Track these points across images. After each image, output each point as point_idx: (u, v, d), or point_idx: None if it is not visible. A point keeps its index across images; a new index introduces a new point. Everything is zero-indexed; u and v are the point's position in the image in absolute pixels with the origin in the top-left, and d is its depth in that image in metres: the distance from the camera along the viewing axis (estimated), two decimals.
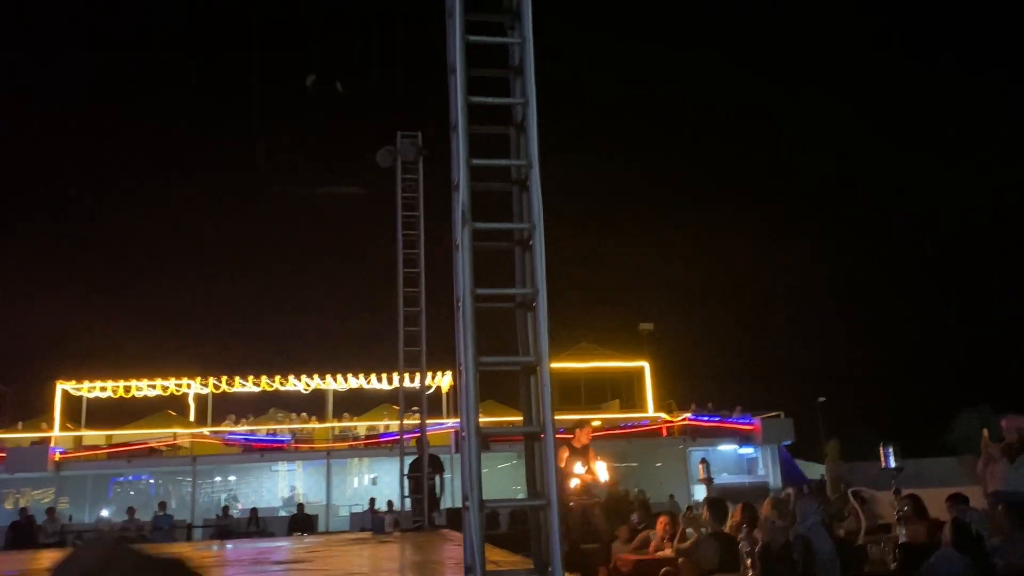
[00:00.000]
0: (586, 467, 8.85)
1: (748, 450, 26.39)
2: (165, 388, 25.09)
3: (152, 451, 23.18)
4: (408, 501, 10.30)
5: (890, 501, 6.86)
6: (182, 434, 23.94)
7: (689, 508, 10.80)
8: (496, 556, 5.48)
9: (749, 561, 5.55)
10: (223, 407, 25.20)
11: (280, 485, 25.21)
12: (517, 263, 3.84)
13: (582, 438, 9.07)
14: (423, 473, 10.06)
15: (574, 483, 8.72)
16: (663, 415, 28.24)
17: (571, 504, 8.58)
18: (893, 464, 6.34)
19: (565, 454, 8.96)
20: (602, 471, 8.96)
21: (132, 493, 24.54)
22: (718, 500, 6.75)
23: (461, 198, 3.53)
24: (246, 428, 24.32)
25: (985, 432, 7.47)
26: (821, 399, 32.36)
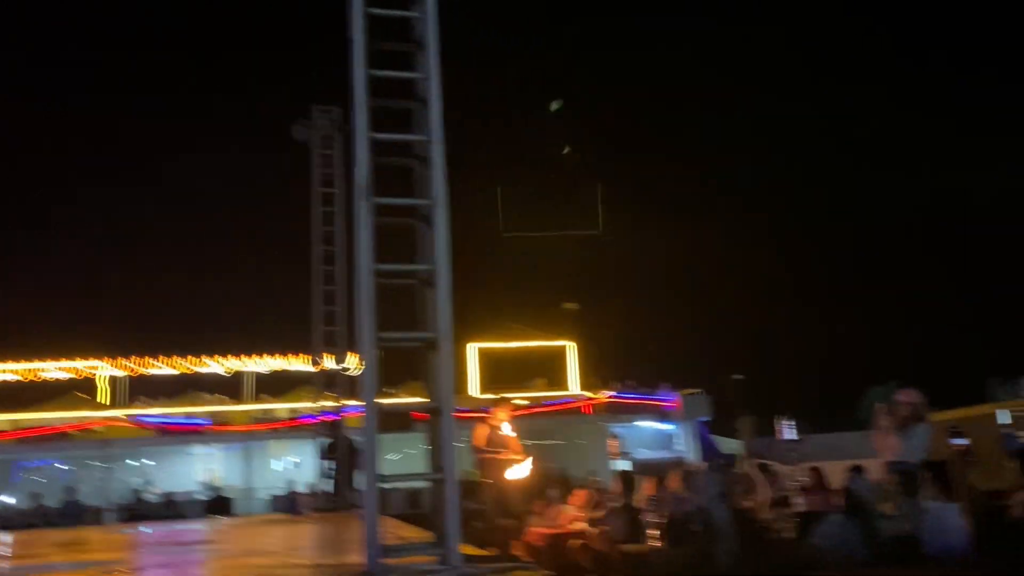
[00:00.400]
0: (504, 444, 8.90)
1: (667, 426, 26.99)
2: (75, 370, 24.20)
3: (63, 435, 22.38)
4: (324, 483, 10.22)
5: (791, 473, 7.13)
6: (93, 417, 23.17)
7: (597, 482, 11.03)
8: (408, 533, 5.50)
9: (654, 531, 5.71)
10: (137, 389, 24.45)
11: (197, 469, 24.63)
12: (419, 240, 3.82)
13: (501, 415, 9.06)
14: (339, 455, 9.98)
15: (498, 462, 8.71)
16: (586, 393, 28.66)
17: (487, 481, 8.64)
18: (792, 437, 6.57)
19: (484, 431, 9.01)
20: (515, 445, 8.99)
21: (40, 479, 23.66)
22: (626, 474, 6.90)
23: (361, 172, 3.50)
24: (161, 411, 23.66)
25: (880, 406, 7.79)
26: (738, 377, 33.25)
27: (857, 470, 8.06)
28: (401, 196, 3.83)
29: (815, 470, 8.66)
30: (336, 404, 10.86)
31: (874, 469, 7.90)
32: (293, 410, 23.88)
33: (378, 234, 3.66)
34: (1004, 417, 19.95)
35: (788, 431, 6.63)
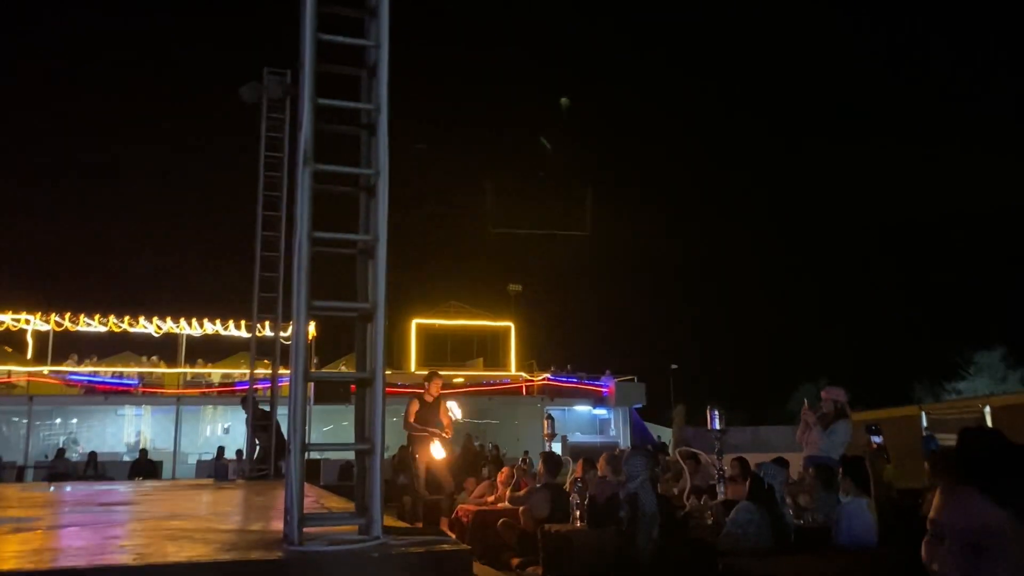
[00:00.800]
0: (436, 419, 8.92)
1: (601, 411, 27.38)
2: (1, 323, 23.45)
3: None
4: (255, 450, 10.12)
5: (713, 462, 7.30)
6: (17, 372, 22.51)
7: (523, 460, 11.11)
8: (332, 503, 5.48)
9: (578, 512, 5.80)
10: (65, 346, 23.84)
11: (126, 430, 24.19)
12: (361, 209, 3.79)
13: (432, 390, 9.09)
14: (271, 422, 9.89)
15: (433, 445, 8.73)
16: (524, 374, 28.89)
17: (416, 457, 8.66)
18: (718, 426, 6.74)
19: (415, 407, 8.98)
20: (454, 412, 9.07)
21: None
22: (551, 454, 6.99)
23: (304, 137, 3.45)
24: (90, 369, 23.10)
25: (805, 402, 8.04)
26: (673, 366, 33.87)
27: (782, 462, 8.29)
28: (348, 165, 3.79)
29: (741, 460, 8.88)
30: (269, 372, 10.72)
31: (796, 462, 8.16)
32: (226, 375, 23.55)
33: (319, 202, 3.63)
34: (926, 419, 20.73)
35: (714, 421, 6.80)
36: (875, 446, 5.54)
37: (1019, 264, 42.98)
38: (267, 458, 10.05)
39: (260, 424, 10.04)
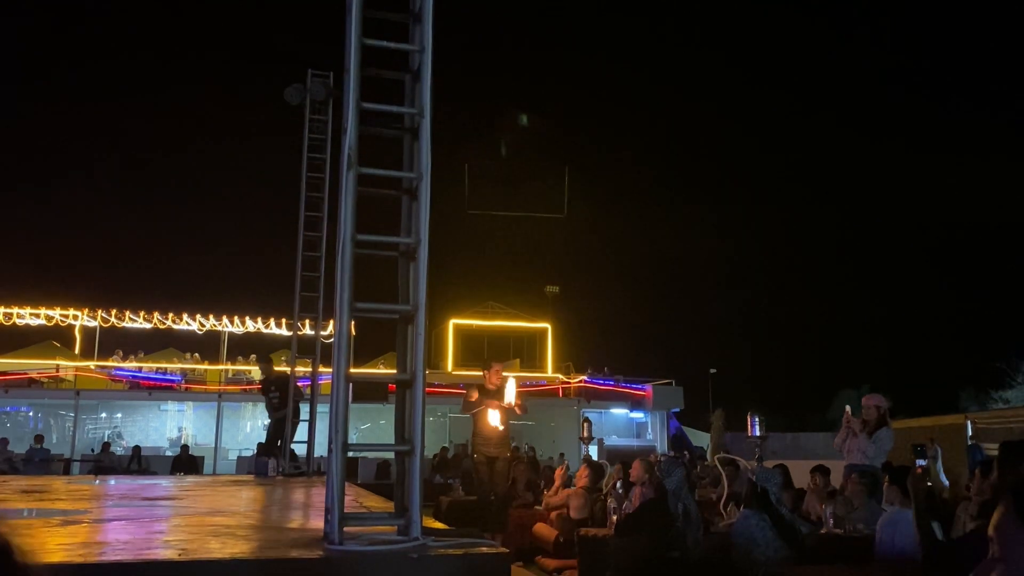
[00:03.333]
0: (498, 408, 8.58)
1: (639, 415, 27.22)
2: (50, 318, 24.03)
3: (32, 381, 22.25)
4: (294, 447, 10.24)
5: (753, 469, 7.21)
6: (66, 366, 23.05)
7: (562, 465, 11.04)
8: (371, 502, 5.53)
9: (615, 517, 5.79)
10: (111, 342, 24.37)
11: (168, 425, 24.65)
12: (403, 212, 3.82)
13: (493, 379, 8.78)
14: (310, 420, 10.00)
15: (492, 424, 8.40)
16: (561, 376, 28.85)
17: (476, 457, 8.51)
18: (758, 433, 6.66)
19: (476, 394, 8.70)
20: (510, 394, 8.57)
21: (8, 424, 23.54)
22: (592, 459, 6.96)
23: (348, 141, 3.49)
24: (134, 365, 23.58)
25: (848, 409, 7.91)
26: (712, 371, 33.56)
27: (823, 470, 8.18)
28: (389, 168, 3.83)
29: (782, 467, 8.79)
30: (310, 370, 10.85)
31: (837, 469, 8.04)
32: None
33: (360, 204, 3.67)
34: (972, 428, 20.28)
35: (754, 427, 6.71)
36: (920, 470, 5.41)
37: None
38: (308, 456, 10.18)
39: (302, 422, 10.17)
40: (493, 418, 8.48)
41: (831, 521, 6.30)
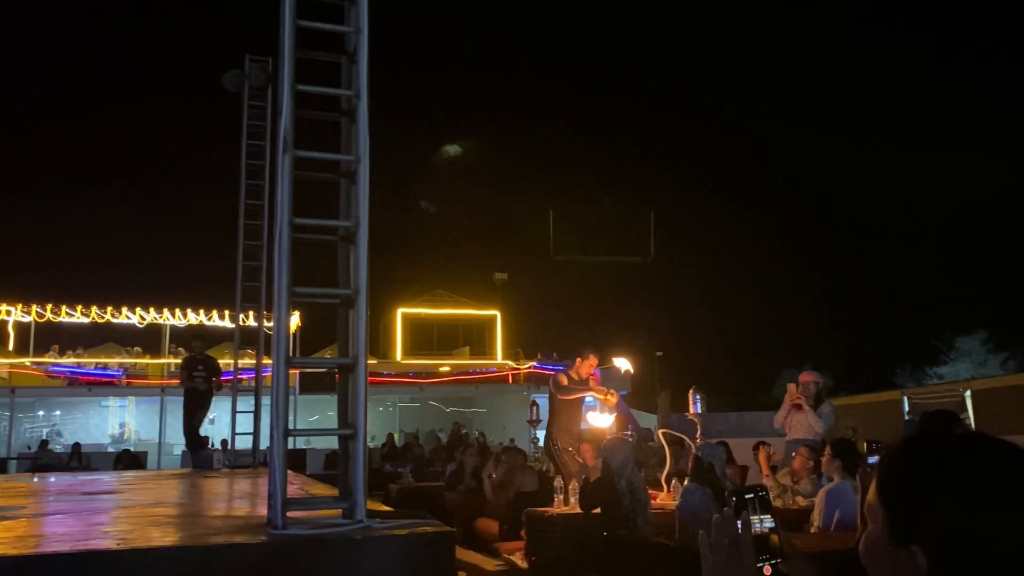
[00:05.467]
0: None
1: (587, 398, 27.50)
2: None
3: None
4: (238, 440, 10.12)
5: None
6: None
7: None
8: (317, 489, 5.51)
9: (561, 496, 5.86)
10: (47, 337, 23.68)
11: (110, 421, 24.12)
12: (342, 196, 3.80)
13: (582, 371, 8.02)
14: (255, 412, 9.89)
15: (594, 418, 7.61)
16: (510, 363, 28.98)
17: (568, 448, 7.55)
18: (699, 410, 6.79)
19: (564, 380, 8.03)
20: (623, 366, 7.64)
21: None
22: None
23: (284, 123, 3.46)
24: (73, 360, 22.98)
25: (792, 386, 8.10)
26: (659, 353, 33.99)
27: (761, 446, 8.37)
28: (331, 152, 3.80)
29: (723, 444, 8.97)
30: (253, 362, 10.71)
31: (779, 446, 8.24)
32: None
33: (304, 189, 3.65)
34: (908, 404, 20.97)
35: (696, 404, 6.84)
36: (870, 468, 5.57)
37: (1000, 249, 43.44)
38: (254, 448, 10.07)
39: (245, 413, 10.06)
40: (597, 419, 7.49)
41: (771, 494, 6.46)
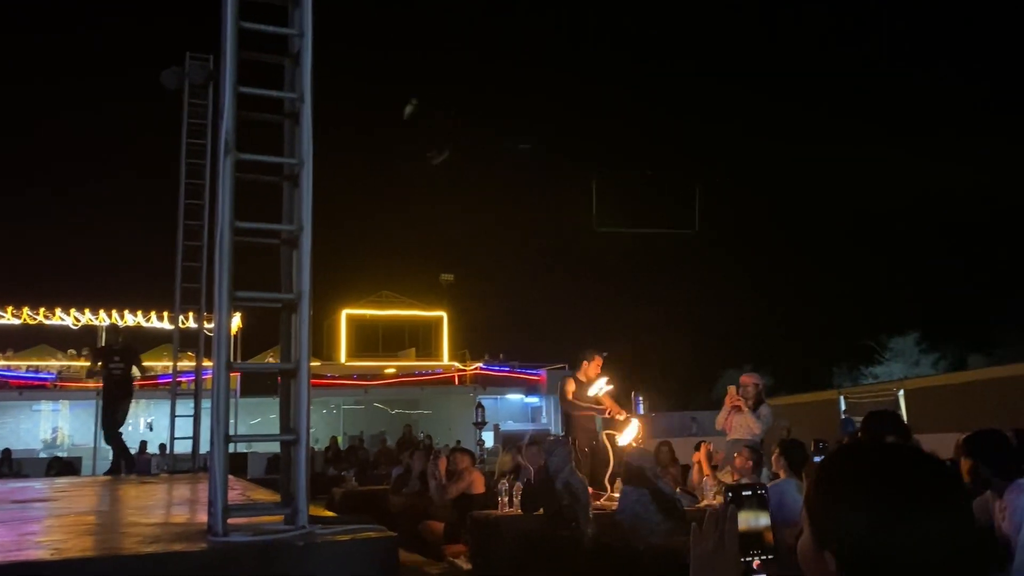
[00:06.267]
0: (596, 401, 7.73)
1: (534, 399, 27.61)
2: None
3: None
4: (178, 444, 9.92)
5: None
6: None
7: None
8: (258, 495, 5.44)
9: (505, 499, 5.89)
10: None
11: (42, 426, 23.35)
12: (285, 199, 3.78)
13: (591, 371, 7.84)
14: (195, 415, 9.71)
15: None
16: (457, 364, 28.94)
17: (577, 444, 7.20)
18: (641, 411, 6.89)
19: (572, 386, 7.83)
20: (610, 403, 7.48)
21: None
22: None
23: (225, 126, 3.41)
24: (2, 363, 22.22)
25: (731, 388, 8.26)
26: (604, 354, 34.25)
27: (701, 445, 8.53)
28: (274, 155, 3.76)
29: (665, 444, 9.14)
30: (193, 365, 10.52)
31: (721, 446, 8.40)
32: (148, 368, 22.90)
33: (248, 191, 3.61)
34: (845, 403, 21.56)
35: (638, 406, 6.94)
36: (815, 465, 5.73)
37: (932, 250, 44.91)
38: (194, 452, 9.88)
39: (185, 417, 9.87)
40: (628, 436, 7.16)
41: (711, 492, 6.60)
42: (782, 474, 5.71)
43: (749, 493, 1.34)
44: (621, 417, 7.48)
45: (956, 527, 0.99)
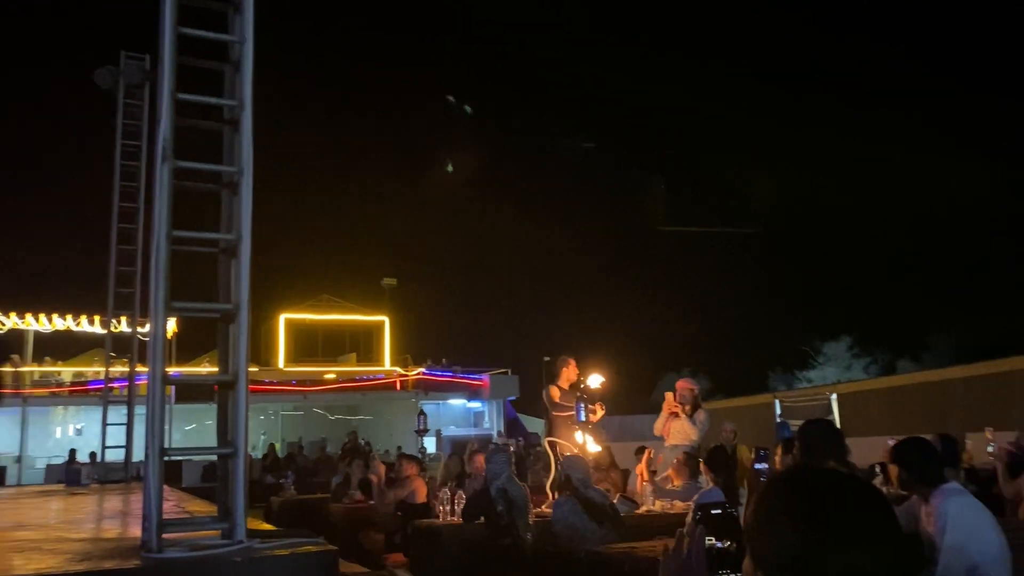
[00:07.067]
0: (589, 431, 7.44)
1: (476, 404, 27.59)
2: None
3: None
4: (109, 452, 9.64)
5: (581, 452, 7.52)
6: None
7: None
8: (194, 507, 5.33)
9: (447, 507, 5.88)
10: None
11: None
12: (224, 207, 3.71)
13: (570, 375, 7.71)
14: (128, 423, 9.46)
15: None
16: (399, 369, 28.74)
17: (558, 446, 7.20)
18: (583, 418, 6.96)
19: (557, 392, 7.67)
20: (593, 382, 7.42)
21: None
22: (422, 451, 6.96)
23: (163, 133, 3.34)
24: None
25: (669, 394, 8.41)
26: (546, 359, 34.44)
27: (642, 451, 8.64)
28: (214, 163, 3.70)
29: (604, 448, 9.21)
30: (126, 370, 10.25)
31: (659, 450, 8.52)
32: (78, 374, 22.26)
33: (184, 197, 3.54)
34: (780, 407, 22.06)
35: (580, 412, 7.00)
36: (759, 473, 5.84)
37: (864, 258, 46.27)
38: (127, 462, 9.62)
39: (118, 425, 9.60)
40: (591, 446, 7.22)
41: (651, 498, 6.68)
42: (710, 483, 5.84)
43: (719, 512, 1.37)
44: (600, 413, 7.42)
45: (884, 555, 1.04)
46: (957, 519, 3.33)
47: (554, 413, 7.64)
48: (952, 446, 6.99)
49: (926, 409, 17.67)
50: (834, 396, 20.67)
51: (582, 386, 7.44)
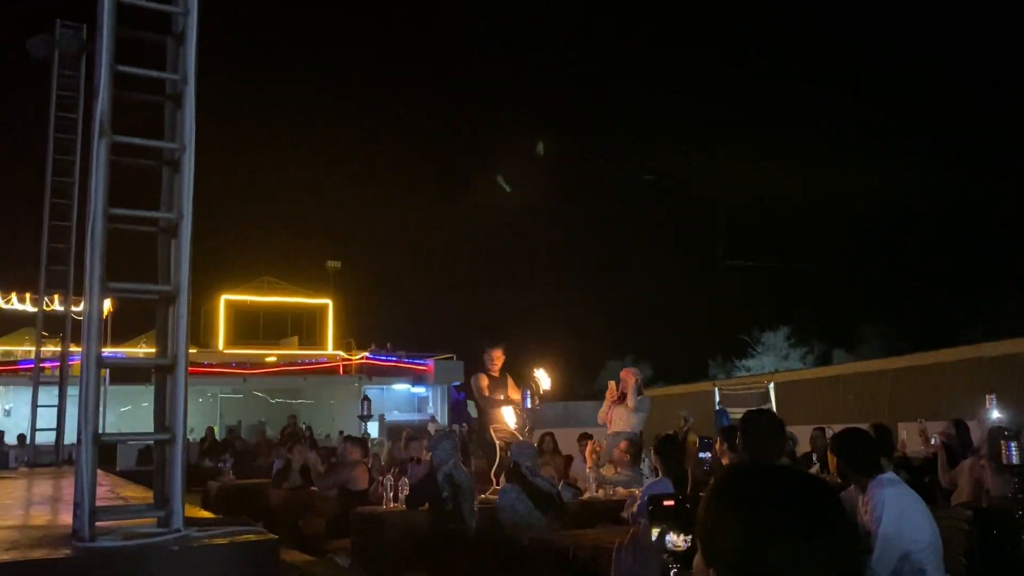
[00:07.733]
0: (505, 395, 7.55)
1: (420, 389, 27.48)
2: None
3: None
4: (39, 435, 9.33)
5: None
6: None
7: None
8: (129, 492, 5.18)
9: (390, 494, 5.84)
10: None
11: None
12: (164, 185, 3.59)
13: (497, 362, 7.73)
14: (60, 405, 9.17)
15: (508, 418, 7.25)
16: (342, 353, 28.46)
17: (500, 444, 7.12)
18: (529, 405, 6.98)
19: (484, 382, 7.64)
20: (543, 381, 7.43)
21: None
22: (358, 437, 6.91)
23: (100, 106, 3.21)
24: None
25: (612, 382, 8.48)
26: (501, 346, 34.41)
27: (585, 437, 8.72)
28: (155, 138, 3.56)
29: (548, 435, 9.29)
30: (58, 350, 9.92)
31: (601, 438, 8.60)
32: (7, 353, 21.50)
33: (124, 173, 3.41)
34: (719, 394, 22.47)
35: (526, 399, 7.02)
36: (702, 463, 5.91)
37: (800, 251, 47.32)
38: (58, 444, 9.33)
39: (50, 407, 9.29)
40: (509, 417, 7.22)
41: (594, 485, 6.73)
42: (660, 472, 5.90)
43: (671, 503, 1.36)
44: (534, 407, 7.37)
45: (832, 549, 1.04)
46: (892, 508, 3.42)
47: (486, 408, 7.62)
48: (887, 436, 7.20)
49: (859, 398, 18.18)
50: (772, 384, 21.11)
51: (532, 377, 7.49)
